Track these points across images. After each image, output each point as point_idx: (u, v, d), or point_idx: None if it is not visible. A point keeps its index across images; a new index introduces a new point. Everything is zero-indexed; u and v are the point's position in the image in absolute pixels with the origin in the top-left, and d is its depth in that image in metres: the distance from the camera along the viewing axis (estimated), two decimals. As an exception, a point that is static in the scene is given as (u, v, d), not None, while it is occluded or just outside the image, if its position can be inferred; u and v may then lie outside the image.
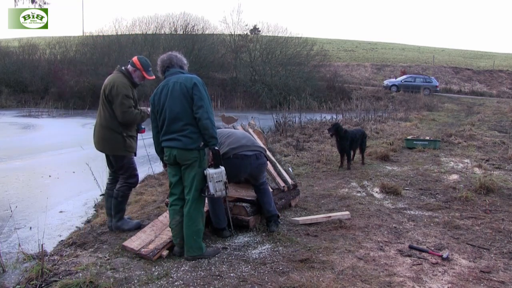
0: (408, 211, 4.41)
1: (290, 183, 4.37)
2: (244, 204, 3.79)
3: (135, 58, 3.83)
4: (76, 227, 4.21)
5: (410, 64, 34.46)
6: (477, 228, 3.86)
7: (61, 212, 4.73)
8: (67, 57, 24.36)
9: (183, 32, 25.00)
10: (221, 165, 3.17)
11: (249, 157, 3.58)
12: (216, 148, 3.15)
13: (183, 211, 3.20)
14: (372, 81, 30.40)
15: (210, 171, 3.12)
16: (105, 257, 3.24)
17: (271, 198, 3.78)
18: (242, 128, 4.56)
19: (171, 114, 3.14)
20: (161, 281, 2.80)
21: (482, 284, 2.78)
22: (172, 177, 3.28)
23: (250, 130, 4.59)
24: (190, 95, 3.11)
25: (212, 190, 3.13)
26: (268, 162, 4.04)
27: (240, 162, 3.54)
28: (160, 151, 3.33)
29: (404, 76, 27.23)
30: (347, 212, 4.19)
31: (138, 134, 4.04)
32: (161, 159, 3.39)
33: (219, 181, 3.13)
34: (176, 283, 2.77)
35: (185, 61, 3.39)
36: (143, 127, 4.06)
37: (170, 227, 3.28)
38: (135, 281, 2.80)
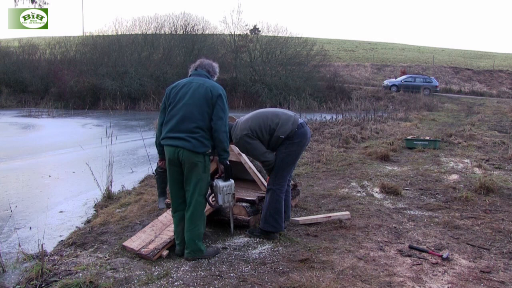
0: (408, 211, 4.41)
1: (290, 183, 4.37)
2: (244, 204, 3.79)
3: None
4: (76, 227, 4.20)
5: (410, 64, 34.44)
6: (477, 228, 3.86)
7: (61, 212, 4.73)
8: (67, 57, 24.30)
9: (183, 32, 24.95)
10: (231, 178, 3.22)
11: (305, 124, 3.62)
12: (227, 162, 3.17)
13: (186, 215, 3.19)
14: (372, 81, 30.39)
15: (220, 183, 3.17)
16: (105, 257, 3.24)
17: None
18: None
19: (187, 113, 3.09)
20: (161, 281, 2.80)
21: (482, 284, 2.78)
22: (171, 185, 3.23)
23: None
24: (212, 103, 3.09)
25: (220, 202, 3.20)
26: None
27: (305, 129, 3.57)
28: (159, 143, 3.26)
29: (404, 76, 27.22)
30: (347, 212, 4.19)
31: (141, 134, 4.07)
32: (159, 152, 3.33)
33: (228, 193, 3.19)
34: (176, 283, 2.77)
35: (216, 70, 3.40)
36: None
37: (175, 231, 3.28)
38: (135, 281, 2.80)
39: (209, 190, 3.29)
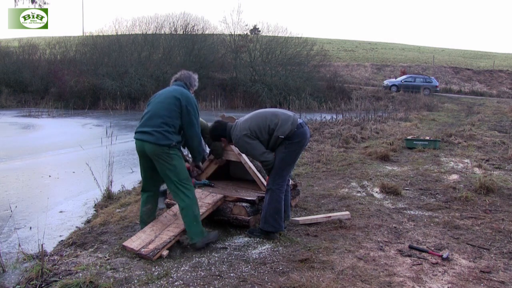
0: (408, 211, 4.40)
1: (290, 183, 4.37)
2: (244, 204, 3.79)
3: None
4: (76, 227, 4.21)
5: (410, 64, 34.44)
6: (477, 228, 3.86)
7: (61, 212, 4.73)
8: (67, 57, 24.30)
9: (183, 32, 24.95)
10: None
11: (304, 124, 3.63)
12: (200, 164, 3.85)
13: (179, 205, 3.39)
14: (372, 81, 30.39)
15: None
16: (105, 257, 3.24)
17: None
18: None
19: (155, 111, 3.35)
20: (161, 281, 2.80)
21: (482, 284, 2.78)
22: (142, 171, 3.57)
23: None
24: (180, 106, 3.31)
25: None
26: None
27: (305, 129, 3.57)
28: None
29: (404, 76, 27.22)
30: (347, 212, 4.19)
31: None
32: None
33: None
34: (176, 283, 2.77)
35: (195, 83, 3.63)
36: None
37: (141, 211, 3.62)
38: (135, 281, 2.80)
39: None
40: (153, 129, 3.27)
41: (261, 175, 4.07)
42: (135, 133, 3.41)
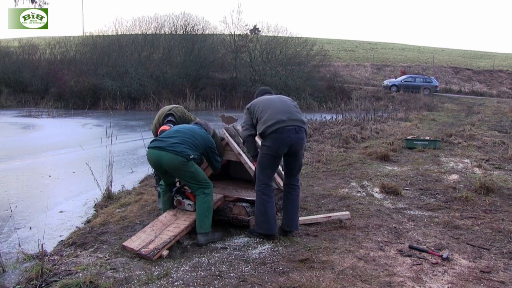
0: (408, 211, 4.40)
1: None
2: (244, 204, 3.79)
3: None
4: (76, 227, 4.21)
5: (410, 64, 34.43)
6: (477, 228, 3.86)
7: (61, 212, 4.73)
8: (67, 57, 24.30)
9: (183, 32, 24.95)
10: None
11: (288, 131, 3.38)
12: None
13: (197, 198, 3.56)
14: (372, 81, 30.38)
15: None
16: (105, 257, 3.24)
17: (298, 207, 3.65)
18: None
19: (181, 129, 3.63)
20: (161, 281, 2.80)
21: (482, 284, 2.78)
22: (159, 174, 3.80)
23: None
24: (206, 142, 3.61)
25: (187, 208, 3.70)
26: None
27: (283, 136, 3.37)
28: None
29: (404, 76, 27.22)
30: (347, 212, 4.19)
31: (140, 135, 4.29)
32: None
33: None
34: (176, 283, 2.77)
35: (210, 130, 3.94)
36: None
37: (162, 202, 3.79)
38: (135, 281, 2.80)
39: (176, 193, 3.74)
40: (177, 140, 3.47)
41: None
42: (153, 141, 3.56)
